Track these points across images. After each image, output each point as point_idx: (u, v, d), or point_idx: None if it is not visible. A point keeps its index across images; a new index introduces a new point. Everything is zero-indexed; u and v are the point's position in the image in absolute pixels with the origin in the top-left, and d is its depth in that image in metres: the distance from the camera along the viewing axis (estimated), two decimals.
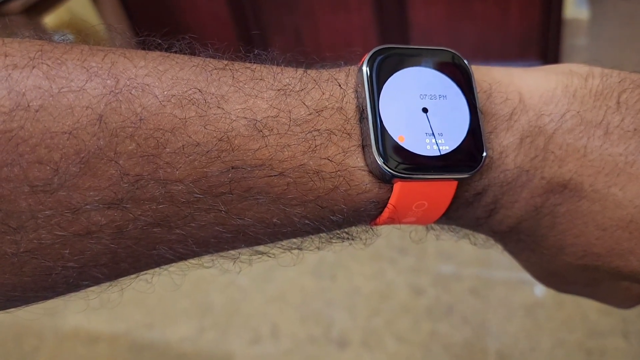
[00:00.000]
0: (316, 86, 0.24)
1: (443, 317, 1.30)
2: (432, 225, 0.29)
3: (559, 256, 0.28)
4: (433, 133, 0.25)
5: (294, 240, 0.27)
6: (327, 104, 0.24)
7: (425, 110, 0.25)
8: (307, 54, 0.28)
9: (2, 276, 0.21)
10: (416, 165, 0.24)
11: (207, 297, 1.45)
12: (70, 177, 0.20)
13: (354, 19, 2.07)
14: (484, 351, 1.22)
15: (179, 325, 1.40)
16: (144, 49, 0.23)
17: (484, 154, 0.25)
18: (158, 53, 0.23)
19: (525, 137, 0.26)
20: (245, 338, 1.34)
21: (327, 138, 0.23)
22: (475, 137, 0.25)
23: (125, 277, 0.25)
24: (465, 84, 0.26)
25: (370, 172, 0.24)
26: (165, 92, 0.21)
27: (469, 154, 0.25)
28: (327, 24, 2.11)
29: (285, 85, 0.24)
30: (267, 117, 0.23)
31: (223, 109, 0.22)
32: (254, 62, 0.25)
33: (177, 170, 0.21)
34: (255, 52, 0.25)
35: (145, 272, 0.25)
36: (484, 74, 0.27)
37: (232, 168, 0.22)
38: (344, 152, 0.24)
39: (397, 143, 0.24)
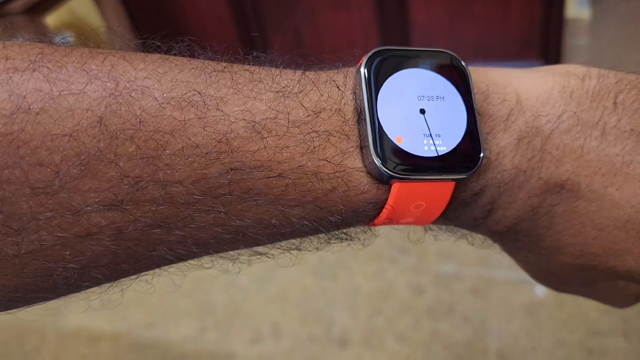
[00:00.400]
0: (314, 88, 0.24)
1: (444, 316, 1.31)
2: (430, 225, 0.29)
3: (556, 256, 0.28)
4: (431, 134, 0.25)
5: (293, 241, 0.27)
6: (325, 105, 0.24)
7: (422, 111, 0.25)
8: (308, 54, 0.28)
9: (4, 277, 0.21)
10: (414, 166, 0.24)
11: (208, 297, 1.45)
12: (71, 179, 0.20)
13: (355, 19, 2.07)
14: (485, 351, 1.22)
15: (180, 324, 1.41)
16: (143, 51, 0.23)
17: (482, 154, 0.25)
18: (157, 55, 0.23)
19: (522, 137, 0.26)
20: (246, 337, 1.35)
21: (326, 139, 0.24)
22: (472, 138, 0.25)
23: (125, 278, 0.25)
24: (463, 85, 0.26)
25: (368, 173, 0.24)
26: (165, 95, 0.21)
27: (467, 155, 0.25)
28: (327, 24, 2.11)
29: (284, 87, 0.24)
30: (266, 118, 0.23)
31: (222, 110, 0.22)
32: (253, 64, 0.25)
33: (176, 171, 0.21)
34: (254, 54, 0.26)
35: (145, 273, 0.25)
36: (481, 75, 0.27)
37: (231, 169, 0.22)
38: (342, 153, 0.24)
39: (395, 144, 0.24)
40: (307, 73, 0.25)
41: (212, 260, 0.26)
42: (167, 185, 0.21)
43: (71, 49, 0.22)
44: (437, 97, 0.25)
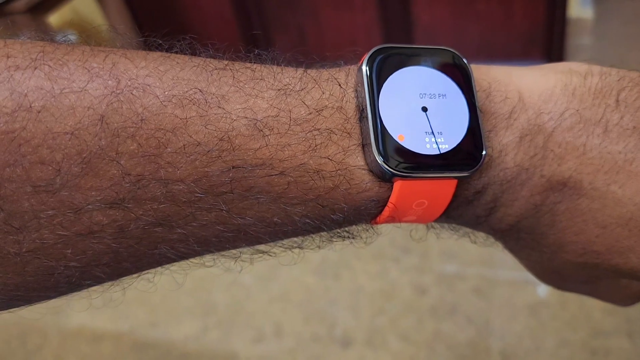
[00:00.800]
0: (316, 86, 0.24)
1: (447, 316, 1.30)
2: (433, 223, 0.29)
3: (559, 254, 0.28)
4: (433, 132, 0.25)
5: (295, 239, 0.27)
6: (327, 103, 0.24)
7: (424, 109, 0.25)
8: (311, 53, 0.28)
9: (5, 276, 0.21)
10: (416, 164, 0.24)
11: (210, 296, 1.45)
12: (72, 177, 0.20)
13: (358, 17, 2.07)
14: (488, 351, 1.22)
15: (182, 323, 1.41)
16: (145, 49, 0.23)
17: (484, 152, 0.25)
18: (159, 53, 0.23)
19: (524, 135, 0.26)
20: (248, 337, 1.35)
21: (327, 137, 0.24)
22: (474, 135, 0.25)
23: (127, 277, 0.25)
24: (465, 83, 0.26)
25: (370, 171, 0.24)
26: (166, 92, 0.21)
27: (469, 153, 0.25)
28: (330, 23, 2.11)
29: (286, 85, 0.24)
30: (268, 116, 0.23)
31: (224, 108, 0.22)
32: (255, 62, 0.25)
33: (178, 170, 0.21)
34: (256, 52, 0.26)
35: (147, 271, 0.25)
36: (483, 73, 0.27)
37: (233, 167, 0.22)
38: (344, 151, 0.24)
39: (397, 142, 0.24)
40: (309, 71, 0.25)
41: (213, 259, 0.26)
42: (168, 184, 0.21)
43: (72, 47, 0.22)
44: (439, 95, 0.25)
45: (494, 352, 1.21)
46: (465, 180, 0.26)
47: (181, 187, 0.22)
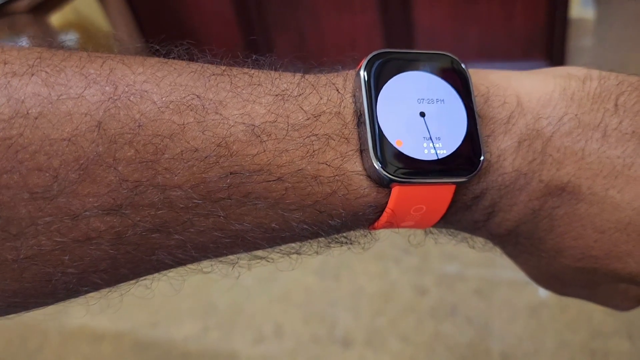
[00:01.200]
0: (314, 91, 0.24)
1: (447, 317, 1.30)
2: (431, 228, 0.29)
3: (557, 259, 0.28)
4: (431, 137, 0.25)
5: (293, 244, 0.27)
6: (325, 108, 0.24)
7: (422, 114, 0.25)
8: (311, 55, 0.28)
9: (3, 282, 0.21)
10: (414, 169, 0.24)
11: (211, 297, 1.45)
12: (70, 184, 0.20)
13: (358, 20, 2.06)
14: (488, 352, 1.22)
15: (183, 324, 1.41)
16: (142, 55, 0.23)
17: (482, 157, 0.25)
18: (156, 59, 0.23)
19: (523, 140, 0.26)
20: (249, 337, 1.35)
21: (325, 143, 0.23)
22: (472, 141, 0.25)
23: (124, 283, 0.25)
24: (463, 87, 0.26)
25: (368, 176, 0.24)
26: (164, 98, 0.21)
27: (467, 158, 0.25)
28: (331, 25, 2.11)
29: (283, 91, 0.24)
30: (265, 122, 0.23)
31: (221, 114, 0.22)
32: (253, 68, 0.25)
33: (175, 176, 0.21)
34: (254, 57, 0.25)
35: (144, 277, 0.25)
36: (481, 78, 0.27)
37: (230, 173, 0.22)
38: (342, 156, 0.24)
39: (395, 147, 0.24)
40: (307, 76, 0.25)
41: (211, 265, 0.26)
42: (166, 190, 0.21)
43: (70, 53, 0.22)
44: (437, 100, 0.25)
45: (493, 353, 1.21)
46: (464, 186, 0.26)
47: (179, 193, 0.22)
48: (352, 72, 0.26)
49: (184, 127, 0.21)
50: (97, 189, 0.20)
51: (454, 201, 0.26)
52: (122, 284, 0.25)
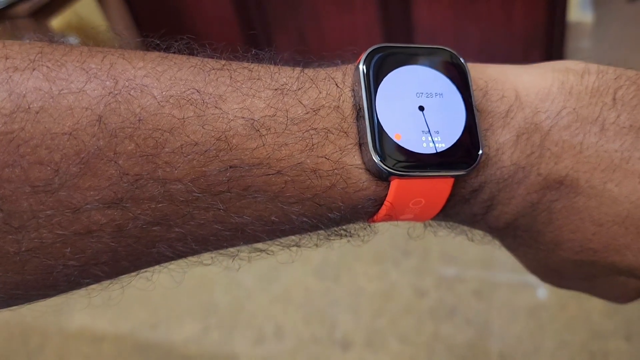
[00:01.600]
0: (313, 85, 0.24)
1: (446, 318, 1.30)
2: (430, 222, 0.30)
3: (556, 252, 0.28)
4: (429, 131, 0.25)
5: (293, 237, 0.27)
6: (324, 102, 0.24)
7: (421, 108, 0.25)
8: (307, 51, 0.28)
9: (5, 274, 0.21)
10: (413, 162, 0.24)
11: (211, 297, 1.45)
12: (71, 177, 0.20)
13: (358, 20, 2.06)
14: (487, 352, 1.22)
15: (183, 324, 1.41)
16: (142, 49, 0.24)
17: (480, 151, 0.25)
18: (156, 54, 0.23)
19: (521, 134, 0.26)
20: (249, 338, 1.35)
21: (324, 137, 0.24)
22: (471, 134, 0.25)
23: (125, 275, 0.25)
24: (462, 82, 0.26)
25: (367, 169, 0.24)
26: (164, 93, 0.22)
27: (466, 151, 0.25)
28: (331, 26, 2.11)
29: (283, 85, 0.24)
30: (265, 116, 0.23)
31: (221, 108, 0.22)
32: (252, 62, 0.25)
33: (176, 169, 0.22)
34: (253, 52, 0.26)
35: (145, 270, 0.25)
36: (480, 72, 0.27)
37: (230, 167, 0.22)
38: (341, 150, 0.24)
39: (394, 141, 0.24)
40: (306, 70, 0.25)
41: (211, 257, 0.26)
42: (166, 183, 0.22)
43: (70, 47, 0.22)
44: (436, 94, 0.26)
45: (493, 353, 1.21)
46: (462, 179, 0.26)
47: (179, 187, 0.22)
48: (351, 67, 0.26)
49: (184, 121, 0.22)
50: (98, 183, 0.21)
51: (452, 194, 0.26)
52: (123, 276, 0.25)
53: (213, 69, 0.23)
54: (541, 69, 0.28)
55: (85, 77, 0.21)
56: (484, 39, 2.00)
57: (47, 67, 0.21)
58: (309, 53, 0.28)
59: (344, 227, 0.27)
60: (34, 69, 0.20)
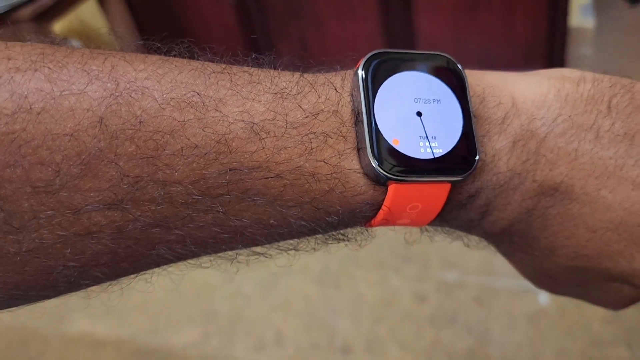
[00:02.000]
0: (312, 90, 0.25)
1: (446, 325, 1.30)
2: (426, 227, 0.30)
3: (550, 258, 0.28)
4: (427, 136, 0.25)
5: (291, 241, 0.27)
6: (323, 107, 0.24)
7: (419, 113, 0.25)
8: (307, 56, 0.28)
9: (5, 275, 0.21)
10: (410, 167, 0.24)
11: (211, 304, 1.45)
12: (72, 178, 0.20)
13: (360, 28, 2.07)
14: (487, 359, 1.21)
15: (183, 331, 1.40)
16: (144, 52, 0.24)
17: (477, 157, 0.25)
18: (157, 57, 0.23)
19: (517, 140, 0.26)
20: (249, 345, 1.34)
21: (323, 141, 0.24)
22: (468, 140, 0.25)
23: (125, 277, 0.25)
24: (459, 88, 0.26)
25: (365, 174, 0.24)
26: (165, 95, 0.22)
27: (462, 157, 0.25)
28: (333, 32, 2.11)
29: (282, 89, 0.24)
30: (264, 120, 0.23)
31: (221, 112, 0.22)
32: (252, 66, 0.25)
33: (176, 171, 0.22)
34: (253, 56, 0.26)
35: (144, 272, 0.25)
36: (477, 79, 0.27)
37: (229, 170, 0.22)
38: (339, 154, 0.24)
39: (392, 146, 0.24)
40: (306, 75, 0.25)
41: (210, 260, 0.27)
42: (166, 185, 0.22)
43: (72, 49, 0.22)
44: (434, 100, 0.26)
45: None
46: (459, 185, 0.26)
47: (179, 189, 0.22)
48: (350, 72, 0.26)
49: (185, 124, 0.22)
50: (98, 184, 0.21)
51: (449, 200, 0.26)
52: (122, 278, 0.25)
53: (213, 73, 0.23)
54: (538, 76, 0.28)
55: (86, 79, 0.21)
56: (486, 47, 2.01)
57: (49, 68, 0.21)
58: (309, 59, 0.28)
59: (341, 231, 0.28)
60: (35, 70, 0.20)
